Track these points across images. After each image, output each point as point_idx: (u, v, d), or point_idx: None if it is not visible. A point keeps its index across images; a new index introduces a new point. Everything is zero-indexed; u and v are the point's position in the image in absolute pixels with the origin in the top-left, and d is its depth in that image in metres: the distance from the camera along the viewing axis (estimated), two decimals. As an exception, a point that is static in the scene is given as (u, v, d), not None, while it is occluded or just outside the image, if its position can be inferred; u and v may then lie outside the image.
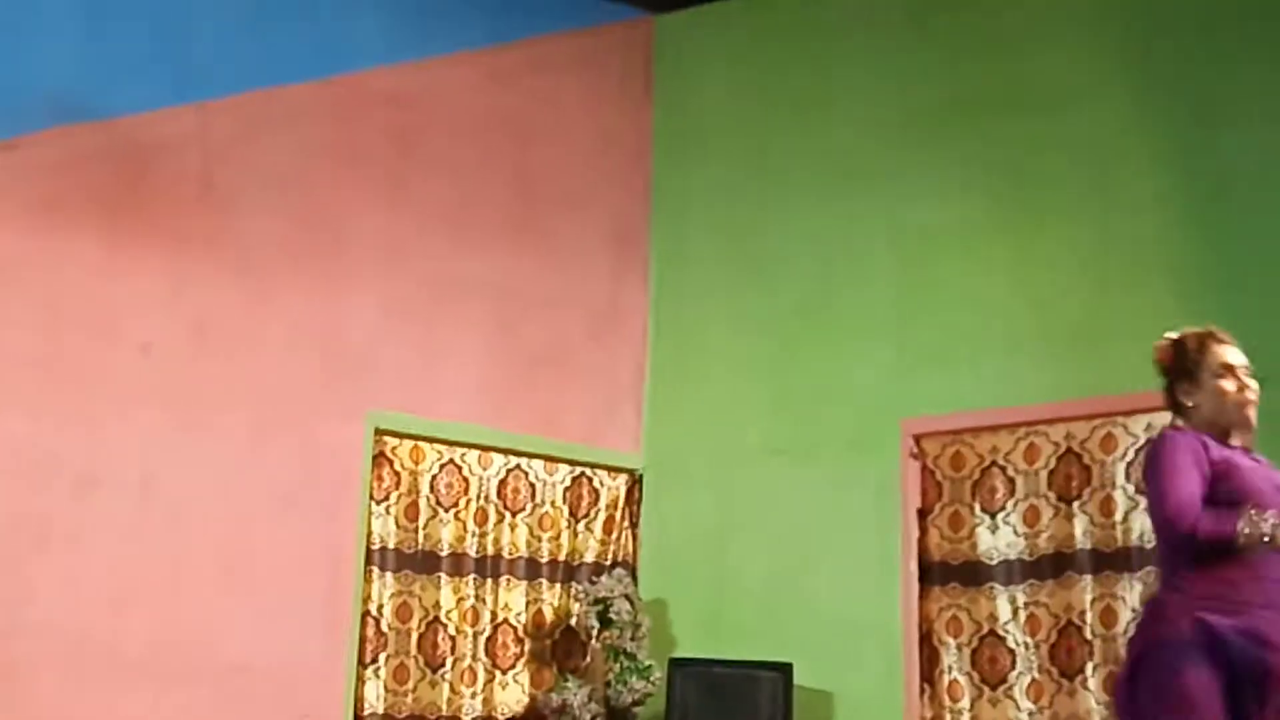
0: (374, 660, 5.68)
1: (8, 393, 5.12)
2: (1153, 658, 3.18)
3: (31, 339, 5.18)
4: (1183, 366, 3.38)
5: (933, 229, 5.83)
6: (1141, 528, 5.01)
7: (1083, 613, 5.04)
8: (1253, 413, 3.34)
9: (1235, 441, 3.32)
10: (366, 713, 5.62)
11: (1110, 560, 5.02)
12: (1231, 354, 3.36)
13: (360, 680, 5.65)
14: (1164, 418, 3.58)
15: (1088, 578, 5.05)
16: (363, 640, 5.67)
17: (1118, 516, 5.03)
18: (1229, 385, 3.32)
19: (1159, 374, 3.45)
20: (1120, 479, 5.07)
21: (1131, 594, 4.98)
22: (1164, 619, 3.19)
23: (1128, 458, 5.07)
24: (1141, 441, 5.07)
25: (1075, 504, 5.17)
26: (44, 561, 5.07)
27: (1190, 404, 3.35)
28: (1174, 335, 3.42)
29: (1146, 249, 5.22)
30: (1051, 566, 5.16)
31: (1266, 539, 3.04)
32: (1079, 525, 5.12)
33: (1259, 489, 3.21)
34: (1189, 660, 3.08)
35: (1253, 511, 3.07)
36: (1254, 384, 3.34)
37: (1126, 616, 4.99)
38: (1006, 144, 5.67)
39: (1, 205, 5.17)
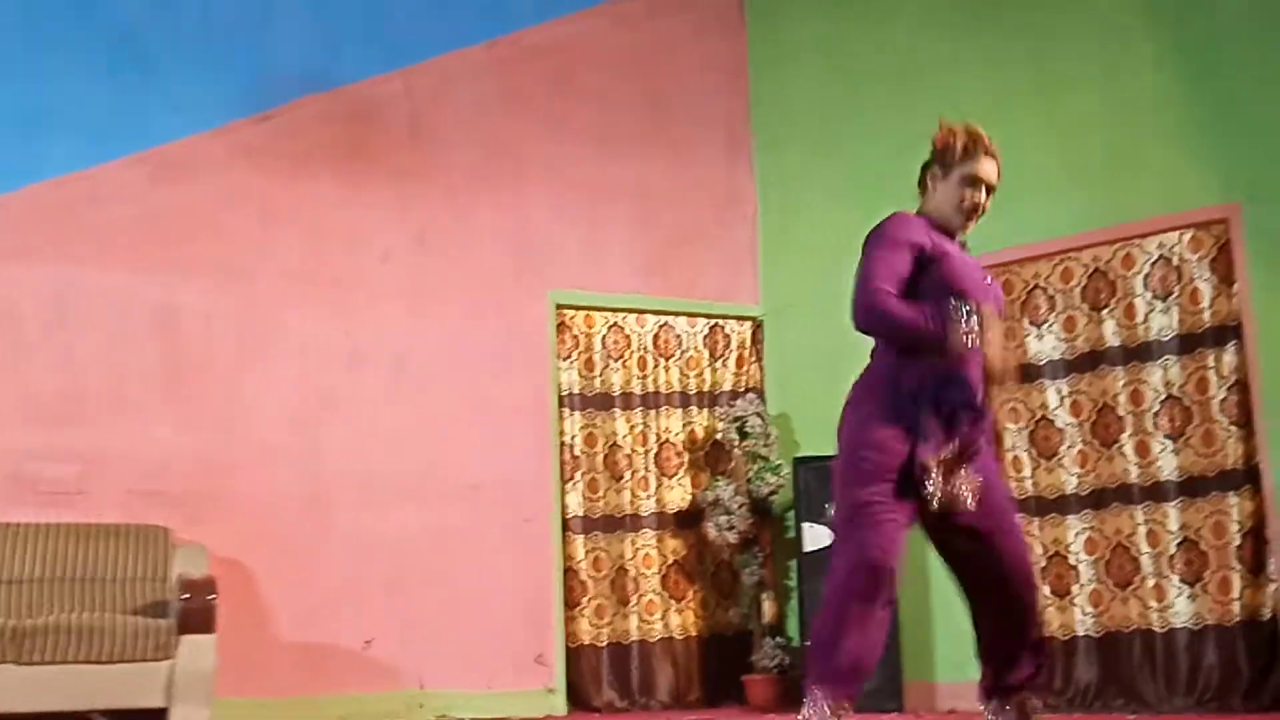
0: (572, 477, 6.47)
1: (286, 299, 6.00)
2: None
3: (299, 258, 6.04)
4: (944, 158, 3.28)
5: (979, 103, 5.94)
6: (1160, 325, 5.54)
7: (1115, 395, 5.65)
8: (972, 223, 3.29)
9: (955, 236, 3.29)
10: (570, 515, 6.44)
11: (1135, 353, 5.66)
12: (985, 168, 3.24)
13: (564, 492, 6.45)
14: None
15: (1119, 369, 5.66)
16: (562, 463, 6.46)
17: (1139, 319, 5.65)
18: (967, 193, 3.24)
19: (930, 153, 3.33)
20: (1139, 289, 5.64)
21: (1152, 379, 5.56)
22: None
23: (1144, 271, 5.64)
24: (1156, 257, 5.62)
25: (1104, 311, 5.76)
26: (331, 419, 5.99)
27: (932, 190, 3.31)
28: (954, 126, 3.27)
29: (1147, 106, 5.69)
30: (1088, 362, 5.77)
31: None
32: (1107, 327, 5.74)
33: (967, 278, 3.18)
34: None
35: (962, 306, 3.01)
36: (985, 200, 3.27)
37: (1149, 395, 5.58)
38: (1035, 31, 6.13)
39: (266, 162, 6.05)
